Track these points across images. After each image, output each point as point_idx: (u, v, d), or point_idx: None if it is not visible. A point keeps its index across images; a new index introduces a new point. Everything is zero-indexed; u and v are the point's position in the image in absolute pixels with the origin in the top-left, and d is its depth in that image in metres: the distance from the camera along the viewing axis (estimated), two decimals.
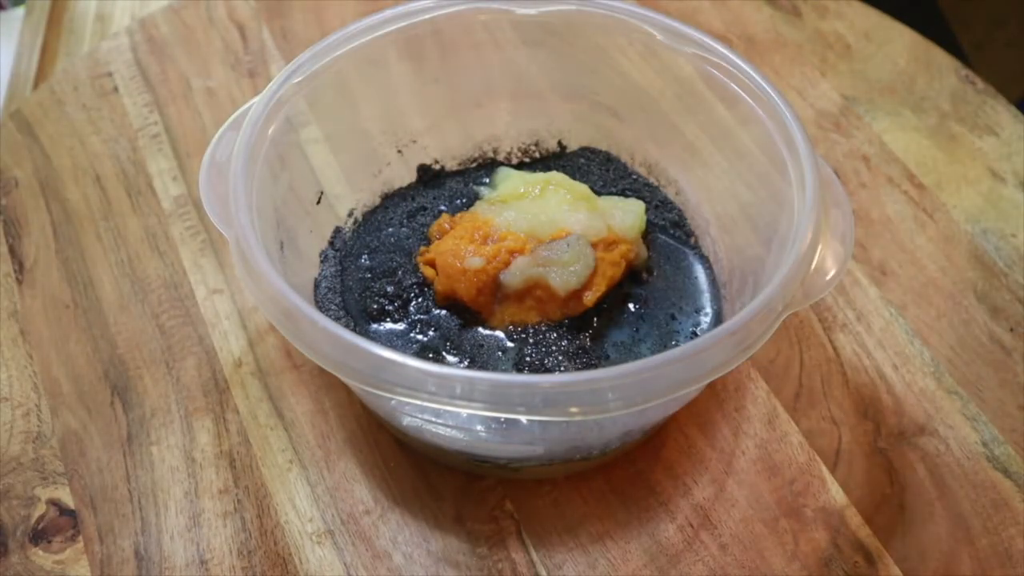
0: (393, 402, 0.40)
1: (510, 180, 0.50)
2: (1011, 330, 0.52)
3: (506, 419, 0.39)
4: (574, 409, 0.34)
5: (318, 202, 0.51)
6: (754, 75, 0.44)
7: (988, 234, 0.56)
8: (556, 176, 0.50)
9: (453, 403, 0.34)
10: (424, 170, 0.54)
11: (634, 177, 0.54)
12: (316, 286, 0.49)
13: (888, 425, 0.48)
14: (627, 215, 0.49)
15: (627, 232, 0.48)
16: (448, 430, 0.41)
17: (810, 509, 0.45)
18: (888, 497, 0.46)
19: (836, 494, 0.46)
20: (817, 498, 0.46)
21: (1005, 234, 0.55)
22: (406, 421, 0.43)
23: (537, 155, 0.56)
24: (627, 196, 0.53)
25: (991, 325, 0.52)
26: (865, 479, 0.46)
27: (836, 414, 0.48)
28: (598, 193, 0.52)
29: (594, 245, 0.46)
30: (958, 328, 0.52)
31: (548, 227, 0.47)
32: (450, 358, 0.46)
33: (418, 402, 0.34)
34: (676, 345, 0.47)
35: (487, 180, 0.54)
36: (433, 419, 0.40)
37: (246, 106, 0.44)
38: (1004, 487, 0.46)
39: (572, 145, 0.55)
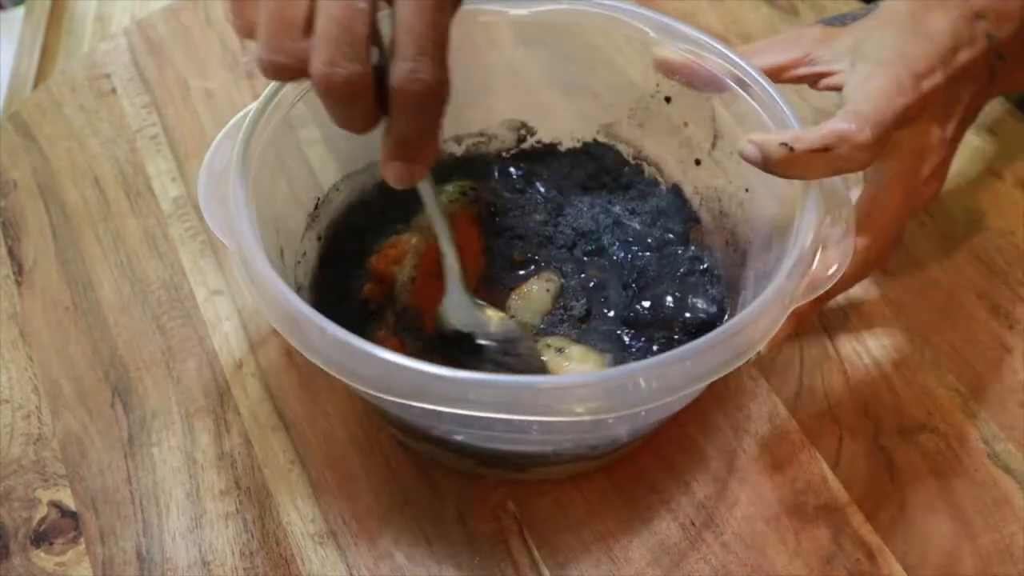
0: (419, 411, 0.39)
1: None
2: (1011, 328, 0.52)
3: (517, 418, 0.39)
4: (582, 408, 0.34)
5: (316, 207, 0.50)
6: (752, 72, 0.44)
7: (987, 232, 0.56)
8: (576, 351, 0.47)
9: (463, 407, 0.34)
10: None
11: (632, 175, 0.54)
12: None
13: (889, 423, 0.48)
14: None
15: None
16: (457, 429, 0.41)
17: (811, 507, 0.45)
18: (889, 495, 0.46)
19: (837, 492, 0.46)
20: (818, 496, 0.46)
21: (1004, 232, 0.56)
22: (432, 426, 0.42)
23: (535, 154, 0.56)
24: (625, 194, 0.53)
25: (991, 323, 0.52)
26: (866, 477, 0.46)
27: (837, 412, 0.49)
28: (593, 188, 0.52)
29: None
30: (958, 326, 0.52)
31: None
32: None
33: (434, 407, 0.34)
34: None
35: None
36: (438, 423, 0.41)
37: (243, 112, 0.43)
38: (1005, 484, 0.46)
39: (571, 143, 0.55)
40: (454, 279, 0.44)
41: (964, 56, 0.44)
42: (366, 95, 0.34)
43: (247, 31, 0.35)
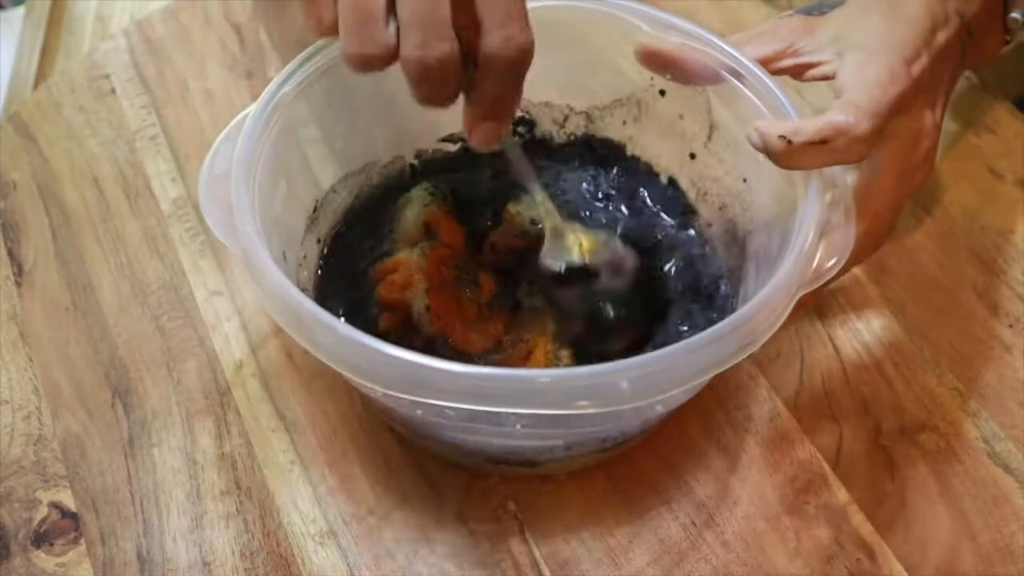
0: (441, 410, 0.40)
1: None
2: (1010, 326, 0.52)
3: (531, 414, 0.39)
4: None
5: (315, 209, 0.50)
6: (751, 66, 0.44)
7: (986, 231, 0.56)
8: None
9: (480, 402, 0.34)
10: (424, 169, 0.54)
11: (630, 172, 0.54)
12: None
13: (889, 422, 0.48)
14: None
15: None
16: (471, 425, 0.42)
17: (812, 506, 0.45)
18: (890, 494, 0.46)
19: (838, 491, 0.46)
20: (819, 495, 0.46)
21: (1003, 231, 0.56)
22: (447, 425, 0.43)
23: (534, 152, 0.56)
24: (621, 191, 0.53)
25: (990, 322, 0.52)
26: (867, 476, 0.46)
27: (837, 411, 0.49)
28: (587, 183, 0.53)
29: None
30: (957, 325, 0.52)
31: None
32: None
33: (454, 405, 0.34)
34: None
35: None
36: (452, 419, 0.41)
37: (243, 113, 0.43)
38: (1005, 483, 0.46)
39: (566, 139, 0.55)
40: (556, 221, 0.46)
41: (942, 37, 0.45)
42: (457, 72, 0.36)
43: (325, 29, 0.37)
